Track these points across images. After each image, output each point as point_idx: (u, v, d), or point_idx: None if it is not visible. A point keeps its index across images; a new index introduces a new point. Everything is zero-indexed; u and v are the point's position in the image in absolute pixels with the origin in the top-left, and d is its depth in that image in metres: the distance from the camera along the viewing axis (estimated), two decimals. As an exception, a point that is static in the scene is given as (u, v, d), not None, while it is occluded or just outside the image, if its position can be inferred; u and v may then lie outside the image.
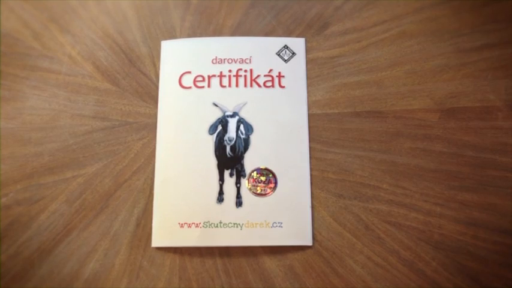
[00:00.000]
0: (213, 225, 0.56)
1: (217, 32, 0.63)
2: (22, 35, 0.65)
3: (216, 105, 0.59)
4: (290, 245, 0.55)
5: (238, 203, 0.56)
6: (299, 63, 0.61)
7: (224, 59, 0.61)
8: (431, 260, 0.54)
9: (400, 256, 0.55)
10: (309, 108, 0.60)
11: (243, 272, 0.56)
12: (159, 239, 0.56)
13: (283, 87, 0.60)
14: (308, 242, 0.55)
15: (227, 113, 0.59)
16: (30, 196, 0.59)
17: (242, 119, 0.58)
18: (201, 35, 0.63)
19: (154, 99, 0.61)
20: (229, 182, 0.57)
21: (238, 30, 0.63)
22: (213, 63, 0.61)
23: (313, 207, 0.57)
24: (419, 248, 0.55)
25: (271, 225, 0.56)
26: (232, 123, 0.58)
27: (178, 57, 0.62)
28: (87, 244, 0.57)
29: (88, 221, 0.58)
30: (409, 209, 0.56)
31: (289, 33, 0.63)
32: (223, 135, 0.58)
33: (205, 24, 0.64)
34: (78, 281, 0.56)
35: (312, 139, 0.59)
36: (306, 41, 0.62)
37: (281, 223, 0.56)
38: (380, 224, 0.56)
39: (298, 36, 0.63)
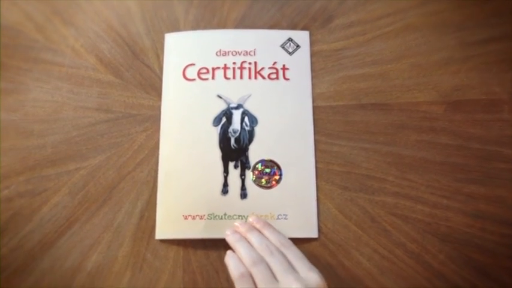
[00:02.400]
0: (217, 217, 0.55)
1: (221, 25, 0.63)
2: (25, 28, 0.64)
3: (220, 97, 0.59)
4: (295, 237, 0.55)
5: (243, 194, 0.56)
6: (303, 55, 0.61)
7: (228, 52, 0.61)
8: (438, 252, 0.54)
9: (406, 248, 0.54)
10: (313, 101, 0.59)
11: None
12: (162, 231, 0.56)
13: (288, 79, 0.60)
14: (314, 234, 0.55)
15: (231, 105, 0.58)
16: (33, 188, 0.58)
17: (246, 110, 0.58)
18: (205, 28, 0.63)
19: (157, 91, 0.61)
20: (234, 173, 0.57)
21: (242, 23, 0.63)
22: (217, 55, 0.61)
23: (318, 199, 0.56)
24: (425, 241, 0.54)
25: (276, 217, 0.55)
26: (236, 115, 0.58)
27: (182, 49, 0.62)
28: (90, 237, 0.56)
29: (91, 213, 0.57)
30: (415, 201, 0.55)
31: (293, 26, 0.62)
32: (228, 127, 0.57)
33: (209, 17, 0.63)
34: (80, 274, 0.55)
35: (317, 131, 0.58)
36: (310, 33, 0.62)
37: (286, 215, 0.55)
38: (386, 216, 0.55)
39: (302, 29, 0.62)
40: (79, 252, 0.56)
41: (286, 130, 0.58)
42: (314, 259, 0.54)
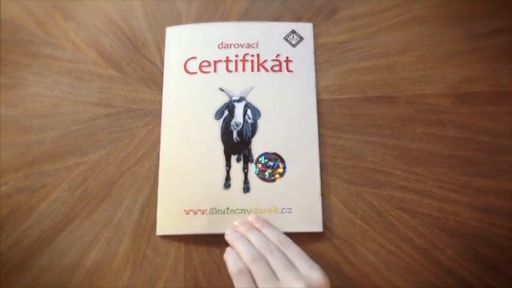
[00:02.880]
0: (219, 211, 0.54)
1: (224, 19, 0.62)
2: (25, 22, 0.64)
3: (222, 90, 0.58)
4: (300, 232, 0.53)
5: (246, 188, 0.55)
6: (307, 47, 0.60)
7: (230, 44, 0.60)
8: (446, 247, 0.52)
9: (413, 243, 0.53)
10: (318, 94, 0.58)
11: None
12: (163, 227, 0.54)
13: (291, 71, 0.58)
14: (318, 228, 0.53)
15: (234, 98, 0.57)
16: (31, 184, 0.57)
17: (249, 103, 0.57)
18: (207, 21, 0.62)
19: (159, 85, 0.60)
20: (236, 167, 0.55)
21: (245, 17, 0.62)
22: (219, 48, 0.60)
23: (323, 193, 0.55)
24: (433, 235, 0.53)
25: (280, 211, 0.54)
26: (239, 108, 0.56)
27: (183, 42, 0.61)
28: (89, 233, 0.55)
29: (90, 209, 0.56)
30: (422, 195, 0.54)
31: (297, 19, 0.61)
32: (230, 120, 0.56)
33: (212, 10, 0.62)
34: (79, 271, 0.54)
35: (321, 125, 0.57)
36: (314, 26, 0.61)
37: (290, 209, 0.54)
38: (393, 211, 0.54)
39: (307, 21, 0.61)
40: (78, 249, 0.55)
41: (289, 123, 0.57)
42: (319, 255, 0.53)
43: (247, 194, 0.54)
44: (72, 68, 0.61)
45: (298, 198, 0.54)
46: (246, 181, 0.55)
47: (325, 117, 0.57)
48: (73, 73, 0.61)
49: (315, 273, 0.44)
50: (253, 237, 0.49)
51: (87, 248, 0.55)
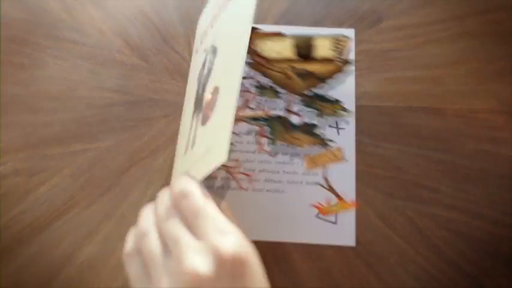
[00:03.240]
0: None
1: (261, 20, 0.58)
2: (52, 7, 0.60)
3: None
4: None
5: (192, 144, 0.42)
6: None
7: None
8: (499, 276, 0.45)
9: (461, 269, 0.45)
10: (357, 100, 0.53)
11: (269, 272, 0.45)
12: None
13: None
14: (223, 158, 0.33)
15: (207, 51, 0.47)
16: (31, 166, 0.51)
17: (213, 46, 0.45)
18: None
19: (185, 77, 0.55)
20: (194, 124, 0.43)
21: (284, 18, 0.58)
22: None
23: (358, 205, 0.48)
24: (484, 262, 0.45)
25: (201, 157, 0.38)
26: (208, 59, 0.45)
27: (199, 29, 0.56)
28: (88, 224, 0.49)
29: (92, 199, 0.50)
30: (472, 217, 0.47)
31: (338, 25, 0.58)
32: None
33: (249, 10, 0.59)
34: (70, 266, 0.47)
35: (360, 131, 0.51)
36: (356, 32, 0.57)
37: (206, 150, 0.37)
38: (437, 231, 0.47)
39: (348, 27, 0.57)
40: (72, 241, 0.48)
41: (225, 53, 0.41)
42: (348, 272, 0.45)
43: (191, 152, 0.41)
44: (94, 53, 0.57)
45: (214, 137, 0.37)
46: (194, 135, 0.42)
47: (363, 123, 0.52)
48: (94, 59, 0.57)
49: (225, 238, 0.30)
50: (156, 203, 0.36)
51: (83, 240, 0.48)
